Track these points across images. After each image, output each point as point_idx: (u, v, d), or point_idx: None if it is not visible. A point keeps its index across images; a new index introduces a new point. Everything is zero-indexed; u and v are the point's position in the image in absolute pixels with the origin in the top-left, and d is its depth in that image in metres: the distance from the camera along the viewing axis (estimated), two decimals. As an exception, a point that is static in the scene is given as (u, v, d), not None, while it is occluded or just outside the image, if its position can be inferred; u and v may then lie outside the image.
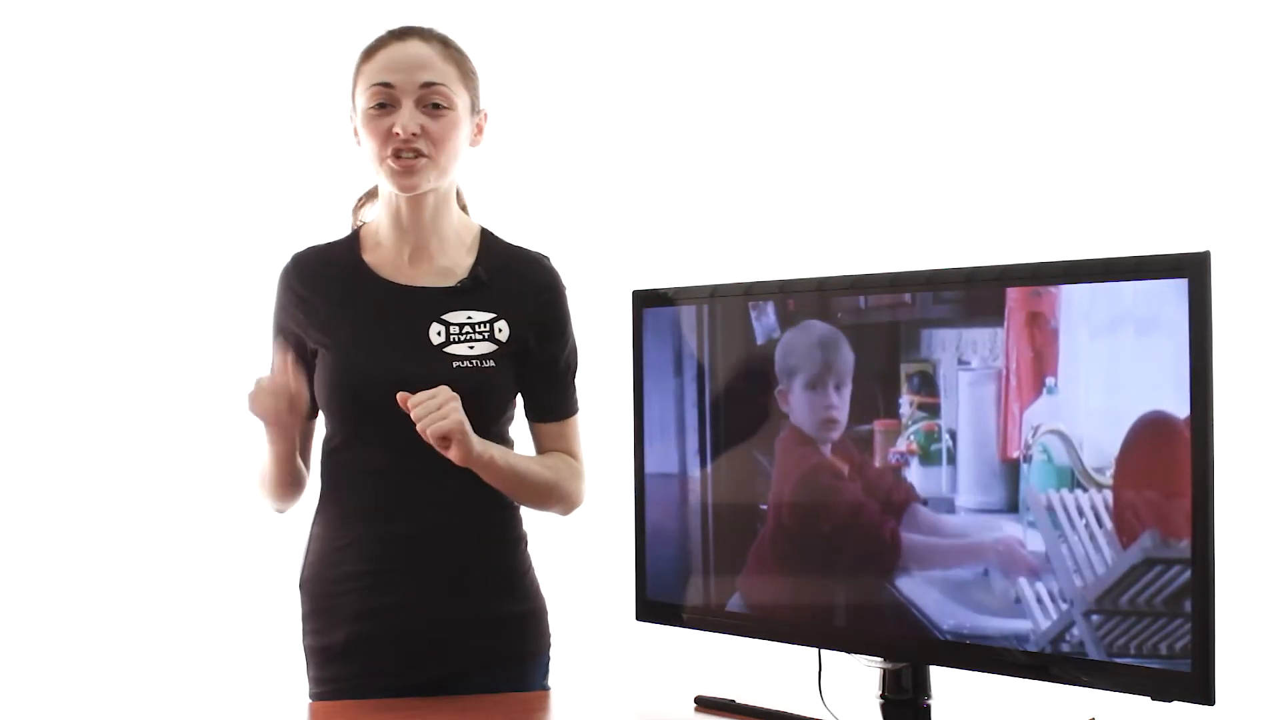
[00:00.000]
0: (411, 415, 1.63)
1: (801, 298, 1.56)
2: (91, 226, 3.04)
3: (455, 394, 1.65)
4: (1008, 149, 2.84)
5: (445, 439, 1.63)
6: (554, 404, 1.86)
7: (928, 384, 1.45)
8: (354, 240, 1.85)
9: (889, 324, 1.49)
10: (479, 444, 1.68)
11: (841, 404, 1.52)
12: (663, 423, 1.70)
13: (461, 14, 1.81)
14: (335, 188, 2.32)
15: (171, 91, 3.04)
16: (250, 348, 1.89)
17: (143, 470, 3.04)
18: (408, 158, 1.72)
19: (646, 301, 1.71)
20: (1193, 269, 1.28)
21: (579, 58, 3.08)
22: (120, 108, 3.03)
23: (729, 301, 1.63)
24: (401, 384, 1.68)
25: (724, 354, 1.64)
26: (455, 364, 1.75)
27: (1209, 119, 2.66)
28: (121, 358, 3.05)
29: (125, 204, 3.05)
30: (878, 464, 1.50)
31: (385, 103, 1.73)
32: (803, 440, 1.56)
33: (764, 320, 1.60)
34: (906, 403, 1.47)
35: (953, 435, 1.43)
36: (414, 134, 1.71)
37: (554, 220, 2.47)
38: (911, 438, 1.47)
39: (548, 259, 1.86)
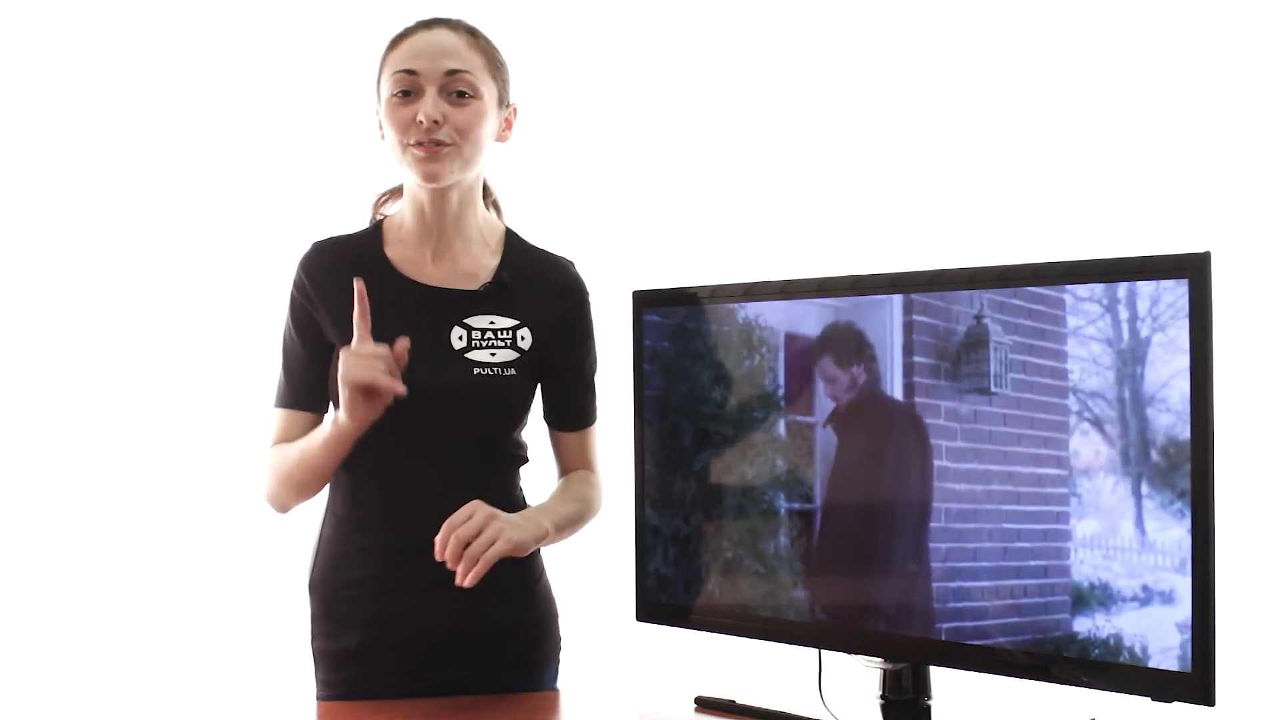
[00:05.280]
0: (453, 550, 1.55)
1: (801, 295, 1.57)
2: (102, 224, 3.05)
3: (486, 508, 1.59)
4: (1008, 149, 2.84)
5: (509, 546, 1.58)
6: (577, 413, 1.85)
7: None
8: (376, 232, 1.81)
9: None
10: (532, 533, 1.64)
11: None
12: (663, 423, 1.70)
13: (462, 15, 1.80)
14: (350, 186, 2.33)
15: (187, 87, 3.05)
16: (260, 348, 1.87)
17: (149, 470, 3.05)
18: (429, 145, 1.68)
19: (646, 302, 1.71)
20: (1193, 269, 1.29)
21: (579, 58, 3.08)
22: (133, 102, 3.04)
23: (728, 301, 1.63)
24: (421, 387, 1.67)
25: (724, 353, 1.64)
26: (475, 370, 1.72)
27: (1209, 119, 2.65)
28: (130, 357, 3.06)
29: (136, 200, 3.06)
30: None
31: (409, 90, 1.69)
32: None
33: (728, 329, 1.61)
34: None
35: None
36: (436, 121, 1.67)
37: (555, 220, 2.47)
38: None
39: (573, 264, 1.85)
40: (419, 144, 1.68)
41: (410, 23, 1.75)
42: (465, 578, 1.55)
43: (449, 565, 1.56)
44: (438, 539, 1.56)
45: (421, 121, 1.67)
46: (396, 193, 1.86)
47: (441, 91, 1.69)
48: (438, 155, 1.69)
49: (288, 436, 1.76)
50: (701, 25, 3.07)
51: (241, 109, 3.07)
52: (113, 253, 3.06)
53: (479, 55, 1.72)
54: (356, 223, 1.88)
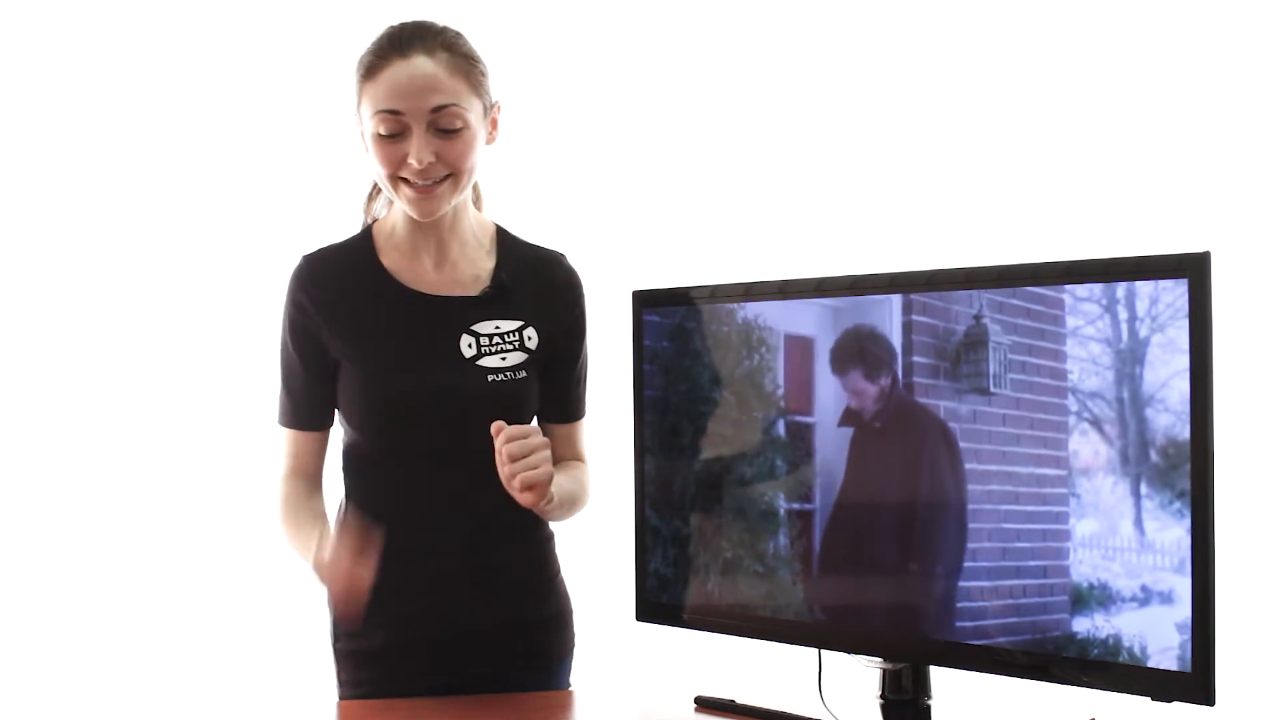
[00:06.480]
0: (503, 451, 1.54)
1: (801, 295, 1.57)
2: (94, 228, 3.04)
3: (546, 440, 1.58)
4: (1008, 149, 2.84)
5: (530, 488, 1.57)
6: (571, 406, 1.85)
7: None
8: (367, 241, 1.76)
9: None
10: (555, 490, 1.64)
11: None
12: (663, 423, 1.70)
13: (460, 13, 1.79)
14: (336, 180, 2.31)
15: (171, 88, 3.04)
16: (264, 346, 1.85)
17: (164, 473, 3.05)
18: (424, 185, 1.64)
19: (646, 302, 1.71)
20: (1193, 269, 1.29)
21: (579, 57, 3.08)
22: (114, 102, 3.03)
23: (728, 301, 1.63)
24: (438, 399, 1.68)
25: (724, 353, 1.64)
26: (490, 377, 1.71)
27: (1209, 119, 2.66)
28: (139, 359, 3.05)
29: (124, 202, 3.05)
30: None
31: (395, 130, 1.62)
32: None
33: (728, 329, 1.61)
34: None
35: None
36: (430, 164, 1.62)
37: (554, 220, 2.47)
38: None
39: (565, 257, 1.84)
40: (411, 184, 1.64)
41: (381, 40, 1.65)
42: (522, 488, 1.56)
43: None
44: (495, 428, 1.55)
45: (413, 164, 1.62)
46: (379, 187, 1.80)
47: (429, 128, 1.62)
48: (432, 193, 1.65)
49: (297, 455, 1.77)
50: (702, 25, 3.07)
51: (227, 112, 3.06)
52: (109, 256, 3.05)
53: (461, 80, 1.63)
54: (343, 219, 1.84)
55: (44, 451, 3.02)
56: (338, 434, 1.80)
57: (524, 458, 1.55)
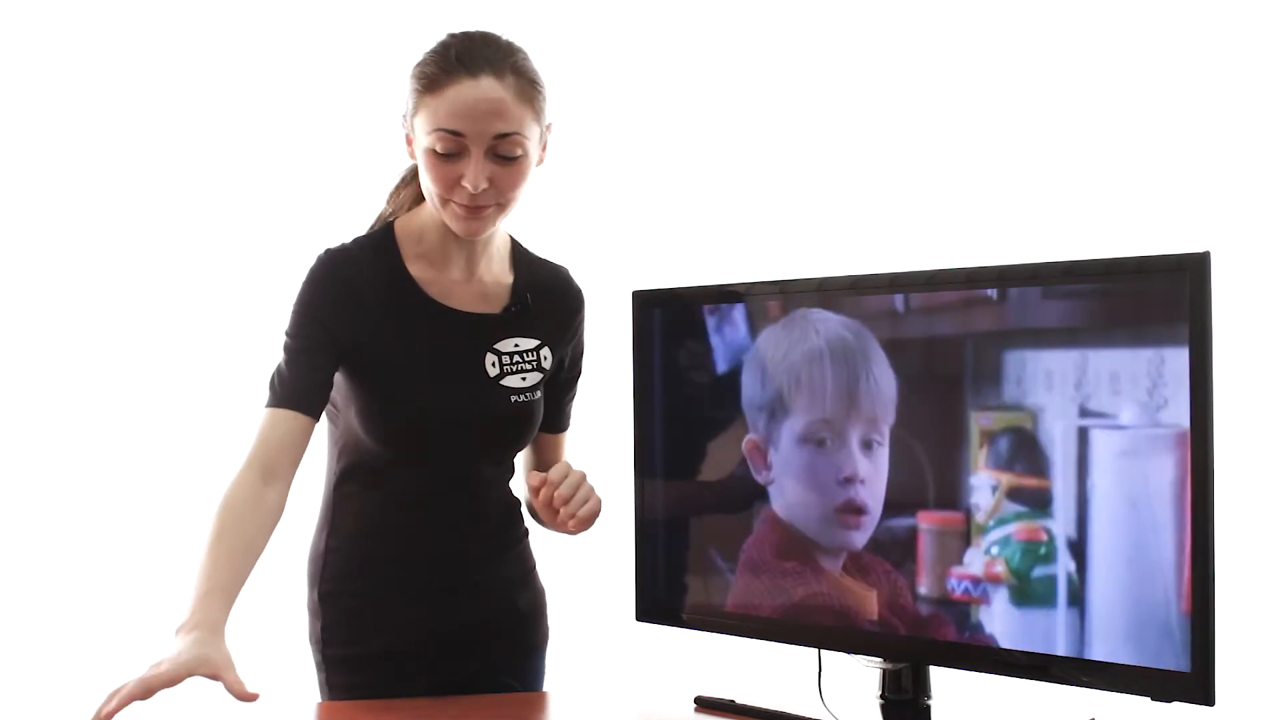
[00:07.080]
0: (551, 499, 1.63)
1: (800, 296, 1.56)
2: (94, 225, 3.05)
3: (581, 471, 1.66)
4: (1008, 149, 2.84)
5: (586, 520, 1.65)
6: (564, 419, 1.87)
7: (1026, 449, 1.42)
8: (390, 243, 1.71)
9: (949, 339, 1.49)
10: None
11: (872, 473, 1.52)
12: (662, 422, 1.70)
13: (459, 14, 1.78)
14: (329, 180, 2.30)
15: (176, 84, 3.04)
16: (259, 348, 1.83)
17: (149, 471, 3.05)
18: (472, 206, 1.60)
19: (646, 302, 1.71)
20: (1193, 269, 1.28)
21: (578, 57, 3.07)
22: (118, 97, 3.03)
23: (729, 301, 1.63)
24: (464, 418, 1.68)
25: (723, 353, 1.64)
26: (513, 398, 1.71)
27: (1209, 119, 2.65)
28: (133, 359, 3.05)
29: (131, 201, 3.06)
30: (924, 596, 1.49)
31: (453, 150, 1.57)
32: (793, 546, 1.56)
33: (730, 330, 1.61)
34: (985, 484, 1.44)
35: (1077, 552, 1.38)
36: (483, 189, 1.58)
37: (555, 220, 2.47)
38: (995, 552, 1.44)
39: (568, 271, 1.84)
40: (460, 204, 1.60)
41: (446, 51, 1.58)
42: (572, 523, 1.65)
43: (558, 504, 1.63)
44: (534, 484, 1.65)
45: (467, 187, 1.58)
46: (415, 179, 1.74)
47: (488, 152, 1.57)
48: (481, 215, 1.61)
49: (268, 441, 1.60)
50: (702, 25, 3.07)
51: (232, 108, 3.06)
52: (111, 255, 3.06)
53: (526, 106, 1.58)
54: (330, 216, 1.82)
55: (42, 450, 3.02)
56: (321, 444, 1.77)
57: (574, 496, 1.63)
